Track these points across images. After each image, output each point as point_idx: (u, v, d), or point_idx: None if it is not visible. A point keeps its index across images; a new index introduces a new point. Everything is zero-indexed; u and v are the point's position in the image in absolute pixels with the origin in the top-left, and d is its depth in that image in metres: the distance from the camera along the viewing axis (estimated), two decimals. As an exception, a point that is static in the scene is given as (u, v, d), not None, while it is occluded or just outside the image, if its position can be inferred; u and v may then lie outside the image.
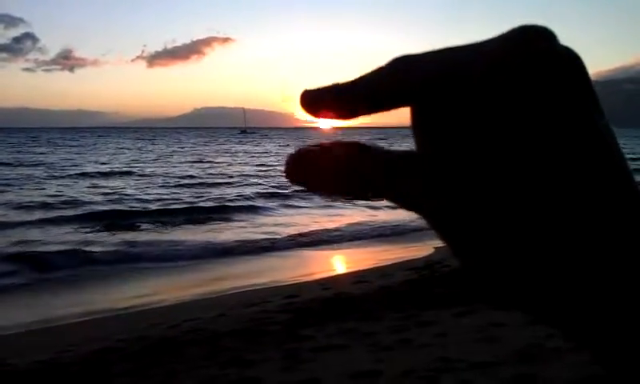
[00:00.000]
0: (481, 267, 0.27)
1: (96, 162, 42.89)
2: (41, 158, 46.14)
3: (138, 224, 17.64)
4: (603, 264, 0.24)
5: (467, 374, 4.90)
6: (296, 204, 21.47)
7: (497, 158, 0.25)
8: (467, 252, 0.27)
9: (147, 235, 15.96)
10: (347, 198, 0.27)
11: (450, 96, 0.26)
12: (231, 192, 25.62)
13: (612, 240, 0.24)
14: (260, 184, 28.84)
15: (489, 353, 5.34)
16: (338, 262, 13.28)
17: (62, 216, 18.62)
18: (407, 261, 11.13)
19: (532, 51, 0.25)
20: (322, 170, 0.26)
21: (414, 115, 0.28)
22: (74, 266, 12.26)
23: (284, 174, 0.27)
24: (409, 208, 0.27)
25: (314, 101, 0.27)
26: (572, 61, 0.26)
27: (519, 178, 0.24)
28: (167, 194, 24.78)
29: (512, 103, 0.25)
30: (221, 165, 42.26)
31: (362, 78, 0.27)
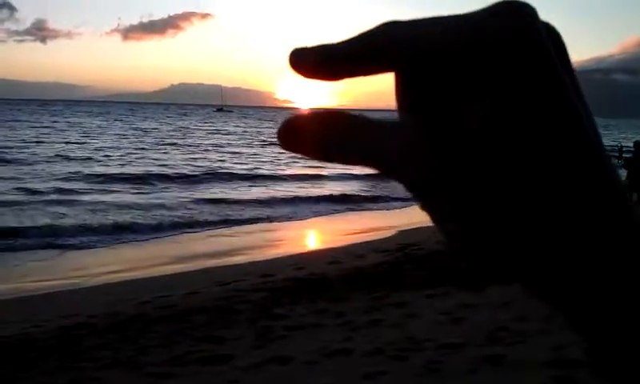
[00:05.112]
0: (461, 235, 0.28)
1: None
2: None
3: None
4: (573, 230, 0.25)
5: (436, 354, 4.98)
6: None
7: (474, 127, 0.26)
8: (447, 220, 0.28)
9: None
10: (337, 163, 0.28)
11: (432, 65, 0.27)
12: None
13: (583, 206, 0.25)
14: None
15: (458, 334, 5.43)
16: (311, 239, 13.44)
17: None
18: (379, 241, 11.23)
19: (511, 26, 0.26)
20: (313, 137, 0.27)
21: (398, 81, 0.29)
22: (44, 238, 12.15)
23: (277, 140, 0.28)
24: (393, 177, 0.28)
25: (303, 60, 0.28)
26: (551, 37, 0.27)
27: (495, 149, 0.25)
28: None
29: (489, 77, 0.26)
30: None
31: (349, 40, 0.28)
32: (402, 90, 0.29)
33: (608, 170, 0.26)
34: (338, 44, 0.28)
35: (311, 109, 0.28)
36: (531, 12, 0.26)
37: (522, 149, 0.25)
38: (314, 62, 0.28)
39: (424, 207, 0.28)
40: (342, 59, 0.28)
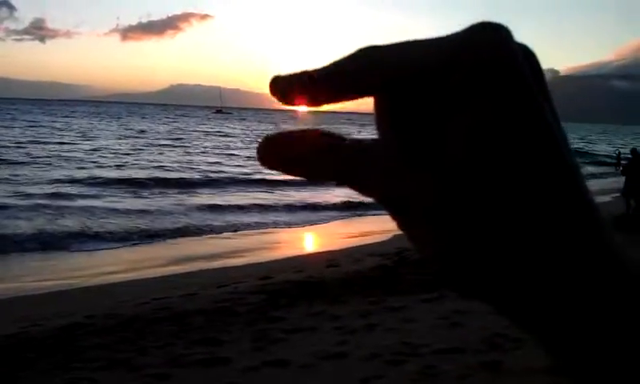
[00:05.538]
0: (438, 256, 0.28)
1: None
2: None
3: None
4: (543, 249, 0.26)
5: (432, 359, 5.00)
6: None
7: (457, 147, 0.26)
8: (424, 241, 0.28)
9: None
10: (316, 181, 0.29)
11: (409, 90, 0.28)
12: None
13: (553, 229, 0.26)
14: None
15: (455, 339, 5.44)
16: (310, 243, 13.43)
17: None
18: (377, 244, 11.24)
19: (486, 51, 0.26)
20: (290, 156, 0.28)
21: (377, 105, 0.30)
22: (41, 240, 12.16)
23: (257, 158, 0.29)
24: (369, 195, 0.28)
25: (283, 88, 0.28)
26: (528, 58, 0.28)
27: (472, 172, 0.26)
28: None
29: (469, 101, 0.26)
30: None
31: (329, 66, 0.28)
32: (382, 111, 0.30)
33: (581, 188, 0.27)
34: (318, 70, 0.28)
35: (299, 128, 0.29)
36: (506, 35, 0.27)
37: (501, 168, 0.26)
38: (293, 89, 0.28)
39: (400, 227, 0.29)
40: (321, 86, 0.28)
